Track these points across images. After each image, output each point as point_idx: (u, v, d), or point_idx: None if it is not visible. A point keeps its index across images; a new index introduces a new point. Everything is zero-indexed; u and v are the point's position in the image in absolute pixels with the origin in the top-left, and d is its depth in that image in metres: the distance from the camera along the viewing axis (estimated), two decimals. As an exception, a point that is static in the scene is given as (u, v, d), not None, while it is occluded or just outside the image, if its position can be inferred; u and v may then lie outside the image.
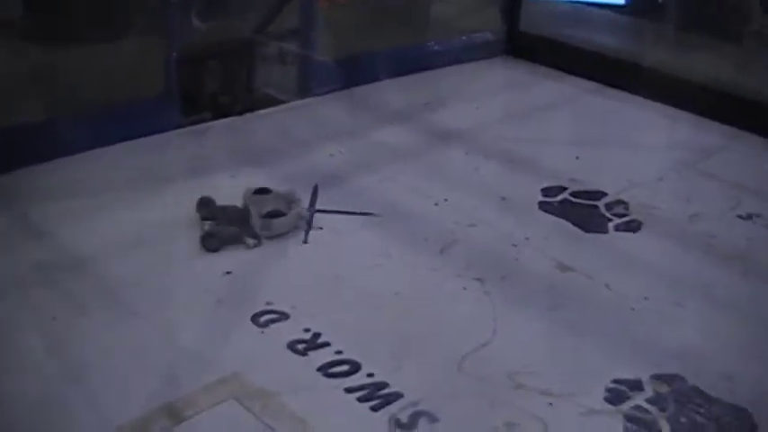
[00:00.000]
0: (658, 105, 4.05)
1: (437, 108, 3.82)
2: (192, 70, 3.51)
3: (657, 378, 2.23)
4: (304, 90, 3.82)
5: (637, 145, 3.68)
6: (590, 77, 4.28)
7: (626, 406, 2.12)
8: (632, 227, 2.98)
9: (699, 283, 2.70)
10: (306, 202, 2.87)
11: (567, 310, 2.49)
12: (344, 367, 2.14)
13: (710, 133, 3.87)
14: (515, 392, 2.12)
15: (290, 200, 2.83)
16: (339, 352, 2.19)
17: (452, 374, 2.16)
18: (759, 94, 3.97)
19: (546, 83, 4.26)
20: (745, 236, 3.03)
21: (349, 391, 2.07)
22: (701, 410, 2.13)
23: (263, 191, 2.87)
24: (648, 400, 2.15)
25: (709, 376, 2.26)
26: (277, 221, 2.75)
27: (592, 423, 2.06)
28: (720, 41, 4.48)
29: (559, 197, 3.11)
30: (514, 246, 2.77)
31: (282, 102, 3.73)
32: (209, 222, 2.72)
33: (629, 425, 2.06)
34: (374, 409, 2.03)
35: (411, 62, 4.20)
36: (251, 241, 2.68)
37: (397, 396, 2.06)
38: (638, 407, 2.12)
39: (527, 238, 2.82)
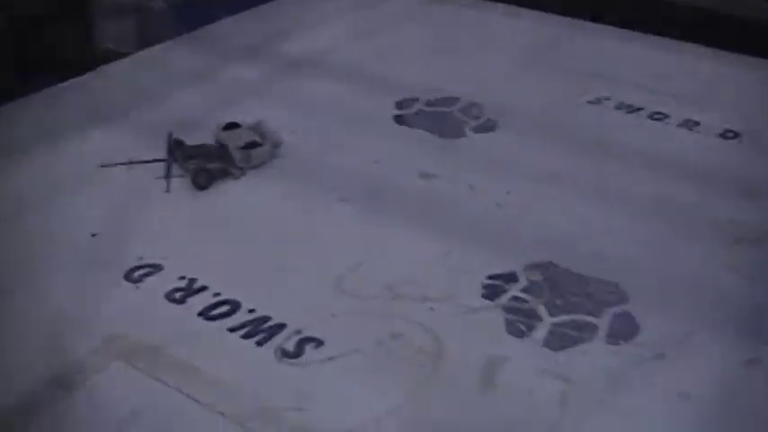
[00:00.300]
0: (503, 6, 4.11)
1: (285, 38, 3.77)
2: (25, 34, 3.40)
3: (530, 268, 2.31)
4: (146, 39, 3.74)
5: (486, 48, 3.73)
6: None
7: (504, 299, 2.19)
8: (488, 126, 3.04)
9: (558, 171, 2.79)
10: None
11: (434, 217, 2.54)
12: (225, 308, 2.14)
13: (555, 26, 3.96)
14: (396, 303, 2.16)
15: (261, 131, 2.85)
16: (217, 294, 2.19)
17: (332, 297, 2.19)
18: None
19: (391, -1, 4.27)
20: (596, 120, 3.15)
21: (232, 330, 2.08)
22: (575, 290, 2.23)
23: (232, 125, 2.88)
24: (524, 290, 2.23)
25: (579, 258, 2.35)
26: (256, 152, 2.78)
27: (473, 320, 2.13)
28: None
29: (414, 108, 3.14)
30: (376, 162, 2.80)
31: (125, 54, 3.64)
32: (193, 161, 2.73)
33: (508, 316, 2.14)
34: (259, 343, 2.04)
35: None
36: (237, 172, 2.72)
37: (281, 327, 2.08)
38: (515, 297, 2.20)
39: (385, 151, 2.86)
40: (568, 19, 4.00)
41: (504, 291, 2.22)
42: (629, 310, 2.17)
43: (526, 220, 2.54)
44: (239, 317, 2.11)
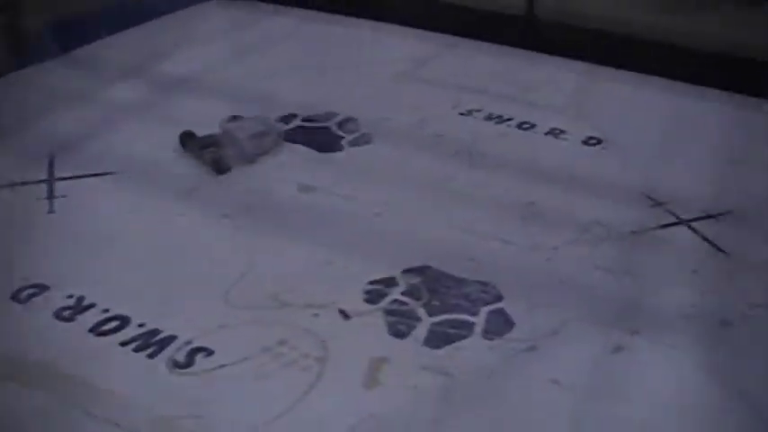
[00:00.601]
0: (378, 24, 4.27)
1: (164, 58, 3.83)
2: None
3: (408, 272, 2.43)
4: (20, 59, 3.72)
5: (360, 64, 3.87)
6: (310, 6, 4.40)
7: (384, 302, 2.31)
8: (364, 140, 3.17)
9: (433, 179, 2.94)
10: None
11: (316, 228, 2.64)
12: (115, 323, 2.20)
13: (426, 43, 4.13)
14: (281, 311, 2.26)
15: (265, 121, 3.09)
16: (106, 310, 2.24)
17: (219, 308, 2.27)
18: (475, 2, 4.27)
19: (267, 19, 4.35)
20: (468, 130, 3.30)
21: (124, 344, 2.13)
22: (452, 291, 2.36)
23: (235, 118, 3.08)
24: (404, 293, 2.35)
25: (455, 262, 2.49)
26: (265, 140, 3.01)
27: (356, 324, 2.24)
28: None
29: (292, 124, 3.24)
30: (256, 177, 2.88)
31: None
32: (208, 150, 2.93)
33: (390, 318, 2.26)
34: (151, 356, 2.10)
35: (129, 16, 4.15)
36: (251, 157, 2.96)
37: (171, 339, 2.15)
38: (395, 301, 2.32)
39: (267, 168, 2.95)
40: (438, 35, 4.18)
41: (385, 295, 2.34)
42: (504, 307, 2.32)
43: (404, 227, 2.66)
44: (130, 331, 2.17)
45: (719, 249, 2.67)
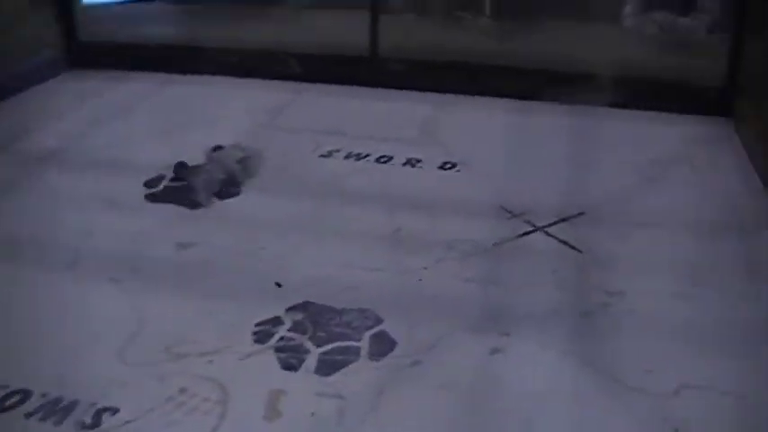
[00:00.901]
0: (231, 79, 4.44)
1: (27, 133, 3.87)
2: None
3: (292, 309, 2.58)
4: None
5: (219, 118, 4.02)
6: (163, 69, 4.54)
7: (273, 341, 2.45)
8: (233, 192, 3.31)
9: (302, 221, 3.10)
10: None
11: (198, 280, 2.76)
12: (17, 397, 2.25)
13: (280, 92, 4.31)
14: (177, 363, 2.36)
15: (243, 148, 3.51)
16: (6, 386, 2.29)
17: (117, 368, 2.35)
18: (320, 48, 4.47)
19: (123, 86, 4.45)
20: (330, 170, 3.49)
21: (29, 415, 2.19)
22: (334, 321, 2.52)
23: (218, 147, 3.49)
24: (290, 330, 2.49)
25: (333, 293, 2.64)
26: (251, 163, 3.46)
27: (250, 364, 2.36)
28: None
29: (161, 185, 3.35)
30: (134, 240, 2.98)
31: None
32: (202, 177, 3.31)
33: (280, 354, 2.39)
34: (57, 422, 2.17)
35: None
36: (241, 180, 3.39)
37: (75, 404, 2.22)
38: (283, 338, 2.46)
39: (143, 229, 3.05)
40: (290, 83, 4.37)
41: (273, 334, 2.48)
42: (384, 329, 2.49)
43: (282, 268, 2.80)
44: (33, 402, 2.23)
45: (574, 249, 2.92)
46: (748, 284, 2.77)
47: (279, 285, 2.71)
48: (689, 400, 2.25)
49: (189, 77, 4.46)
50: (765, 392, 2.28)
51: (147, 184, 3.35)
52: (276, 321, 2.53)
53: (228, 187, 3.31)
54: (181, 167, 3.41)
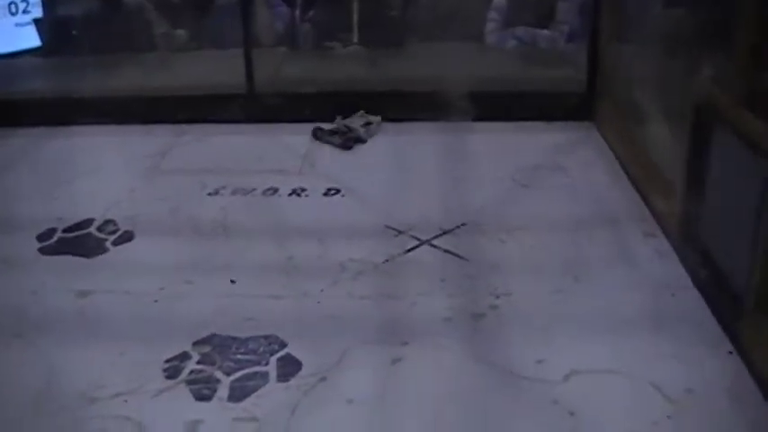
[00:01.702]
0: (118, 127, 4.52)
1: None
2: None
3: (198, 343, 2.69)
4: None
5: (106, 167, 4.09)
6: (40, 124, 4.56)
7: (184, 374, 2.55)
8: (126, 237, 3.39)
9: (196, 258, 3.20)
10: None
11: (102, 326, 2.83)
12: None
13: (162, 136, 4.41)
14: (93, 406, 2.44)
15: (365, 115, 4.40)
16: None
17: (33, 419, 2.42)
18: (197, 90, 4.60)
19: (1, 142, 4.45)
20: (218, 207, 3.61)
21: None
22: (240, 350, 2.64)
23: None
24: (199, 362, 2.60)
25: (236, 324, 2.77)
26: (372, 127, 4.39)
27: (164, 399, 2.46)
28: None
29: (54, 237, 3.41)
30: (35, 294, 3.04)
31: None
32: (336, 136, 4.28)
33: (192, 387, 2.50)
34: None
35: None
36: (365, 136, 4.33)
37: (-6, 458, 2.30)
38: (193, 371, 2.57)
39: (41, 282, 3.10)
40: (171, 126, 4.48)
41: (183, 368, 2.59)
42: (289, 352, 2.63)
43: (183, 306, 2.91)
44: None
45: (459, 257, 3.12)
46: (623, 274, 3.02)
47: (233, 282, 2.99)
48: (578, 384, 2.47)
49: (69, 129, 4.49)
50: (646, 370, 2.50)
51: (40, 238, 3.40)
52: (184, 356, 2.63)
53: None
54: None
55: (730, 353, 2.59)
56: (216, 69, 4.85)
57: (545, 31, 5.21)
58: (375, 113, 4.45)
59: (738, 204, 2.71)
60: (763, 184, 2.52)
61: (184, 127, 4.50)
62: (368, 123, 4.37)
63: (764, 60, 2.75)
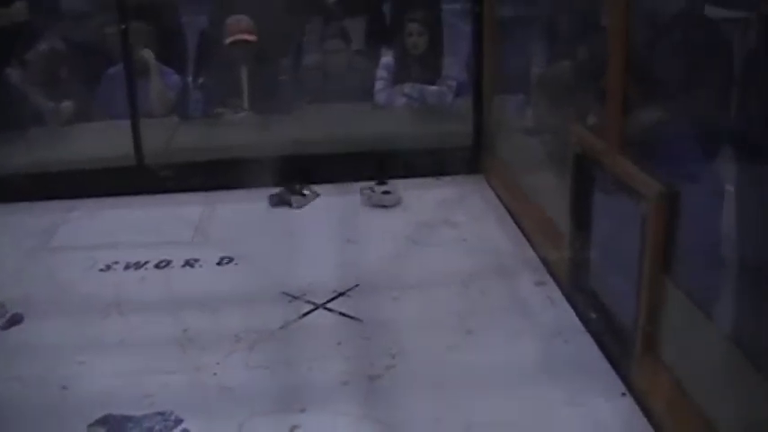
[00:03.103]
0: (5, 206, 4.38)
1: None
2: None
3: (93, 425, 2.62)
4: None
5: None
6: None
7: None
8: (15, 320, 3.28)
9: (86, 339, 3.13)
10: None
11: None
12: None
13: (49, 213, 4.33)
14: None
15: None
16: None
17: None
18: (85, 163, 4.55)
19: None
20: (111, 283, 3.55)
21: None
22: (136, 429, 2.59)
23: None
24: (86, 447, 2.55)
25: (131, 402, 2.70)
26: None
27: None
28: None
29: (-61, 326, 3.31)
30: None
31: None
32: None
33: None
34: None
35: None
36: None
37: None
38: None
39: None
40: (58, 202, 4.41)
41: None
42: (186, 427, 2.58)
43: (77, 388, 2.83)
44: None
45: (354, 318, 3.13)
46: (516, 324, 3.07)
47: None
48: (477, 438, 2.49)
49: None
50: (542, 419, 2.55)
51: None
52: (71, 440, 2.58)
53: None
54: None
55: (623, 394, 2.64)
56: (104, 142, 4.80)
57: (433, 87, 5.30)
58: (267, 179, 4.46)
59: (621, 247, 2.79)
60: (642, 225, 2.60)
61: (74, 202, 4.43)
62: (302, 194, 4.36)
63: (633, 106, 2.87)
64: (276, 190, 4.37)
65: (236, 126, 5.11)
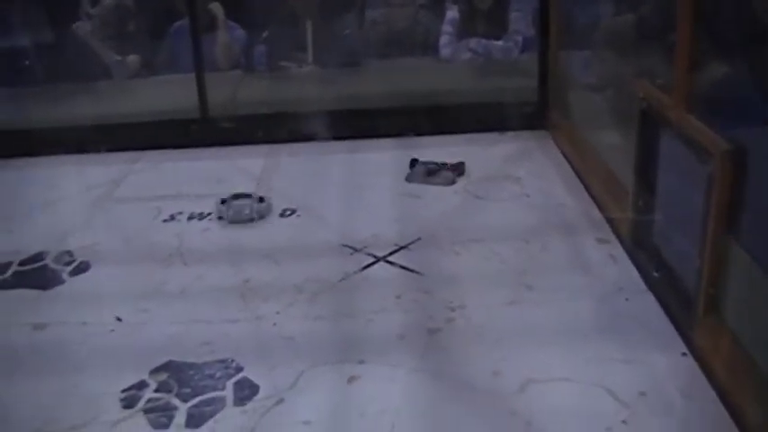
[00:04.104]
0: (65, 157, 4.53)
1: None
2: None
3: (155, 371, 2.68)
4: None
5: (55, 200, 4.06)
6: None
7: (141, 403, 2.54)
8: (83, 268, 3.38)
9: (152, 286, 3.19)
10: None
11: (57, 359, 2.79)
12: None
13: (113, 165, 4.42)
14: (48, 442, 2.45)
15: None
16: None
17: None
18: (150, 116, 4.61)
19: None
20: (174, 234, 3.61)
21: None
22: (197, 376, 2.64)
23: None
24: (156, 390, 2.59)
25: (192, 350, 2.76)
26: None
27: (121, 429, 2.45)
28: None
29: (9, 272, 3.39)
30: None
31: None
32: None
33: (150, 415, 2.49)
34: None
35: None
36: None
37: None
38: (150, 399, 2.55)
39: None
40: (122, 153, 4.50)
41: (140, 397, 2.58)
42: (246, 375, 2.63)
43: (139, 335, 2.90)
44: None
45: (415, 272, 3.14)
46: (577, 281, 3.06)
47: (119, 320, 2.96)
48: (534, 393, 2.48)
49: (21, 161, 4.50)
50: (600, 376, 2.53)
51: (-5, 274, 3.41)
52: (141, 384, 2.62)
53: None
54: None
55: (684, 354, 2.62)
56: (169, 95, 4.86)
57: (499, 42, 5.26)
58: (330, 132, 4.48)
59: (685, 205, 2.75)
60: (707, 183, 2.57)
61: (139, 154, 4.51)
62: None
63: (701, 62, 2.81)
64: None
65: (300, 80, 5.13)
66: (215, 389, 2.59)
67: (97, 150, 4.55)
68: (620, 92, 3.59)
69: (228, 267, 3.29)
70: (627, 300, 2.93)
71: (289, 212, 3.72)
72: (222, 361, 2.71)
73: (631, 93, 3.19)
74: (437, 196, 3.79)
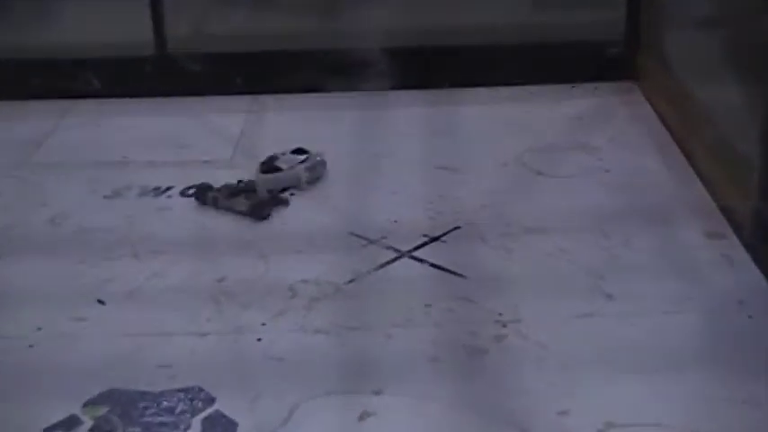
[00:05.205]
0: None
1: None
2: None
3: (91, 403, 2.69)
4: None
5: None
6: None
7: (73, 444, 2.60)
8: (-9, 258, 3.43)
9: (88, 286, 3.22)
10: None
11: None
12: None
13: (35, 116, 4.48)
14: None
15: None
16: None
17: None
18: (87, 51, 4.67)
19: None
20: (120, 214, 3.66)
21: None
22: (150, 410, 2.66)
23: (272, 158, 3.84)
24: (92, 430, 2.61)
25: (144, 373, 2.78)
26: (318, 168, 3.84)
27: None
28: None
29: None
30: None
31: None
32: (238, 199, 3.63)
33: (85, 461, 2.55)
34: None
35: None
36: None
37: None
38: (86, 439, 2.62)
39: None
40: (56, 102, 4.56)
41: (72, 437, 2.63)
42: (219, 408, 2.65)
43: (71, 353, 2.93)
44: None
45: (452, 272, 3.18)
46: (677, 289, 3.08)
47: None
48: (618, 442, 2.52)
49: None
50: (705, 421, 2.54)
51: None
52: (72, 422, 2.64)
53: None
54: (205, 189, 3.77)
55: (821, 393, 2.65)
56: (113, 22, 4.84)
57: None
58: (337, 81, 4.49)
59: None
60: None
61: (69, 103, 4.55)
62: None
63: None
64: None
65: (294, 6, 5.14)
66: (176, 428, 2.62)
67: (13, 97, 4.56)
68: (744, 28, 3.59)
69: (196, 262, 3.33)
70: (750, 317, 2.95)
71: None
72: (186, 390, 2.73)
73: (761, 29, 3.20)
74: (482, 171, 3.81)
